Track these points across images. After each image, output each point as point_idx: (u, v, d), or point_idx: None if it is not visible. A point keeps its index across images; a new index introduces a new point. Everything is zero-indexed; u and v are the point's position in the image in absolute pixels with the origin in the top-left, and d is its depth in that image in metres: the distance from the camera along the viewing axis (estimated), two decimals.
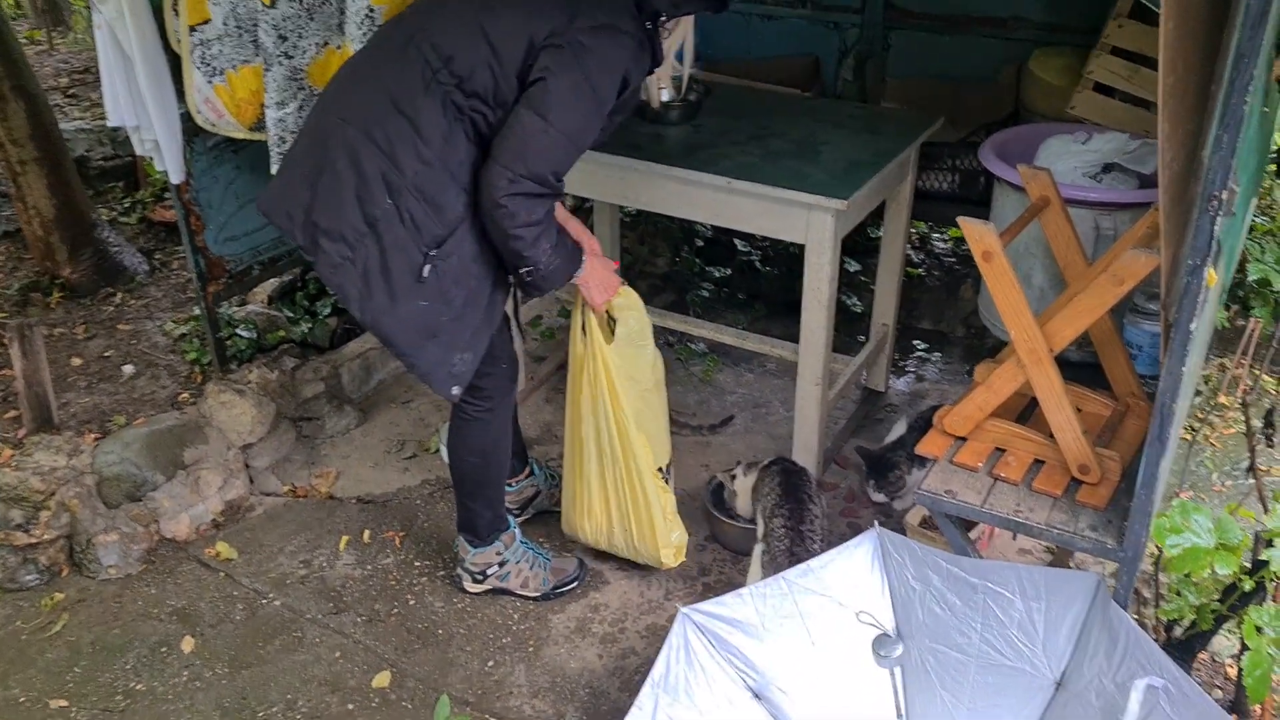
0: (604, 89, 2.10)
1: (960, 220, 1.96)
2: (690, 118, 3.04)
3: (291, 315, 3.59)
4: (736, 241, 4.26)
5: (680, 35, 2.43)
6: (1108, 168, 2.35)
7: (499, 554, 2.61)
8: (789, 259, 4.16)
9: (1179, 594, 2.01)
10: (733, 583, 2.71)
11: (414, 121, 2.08)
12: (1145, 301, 2.24)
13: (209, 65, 2.77)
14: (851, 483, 3.06)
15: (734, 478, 2.79)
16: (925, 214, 3.70)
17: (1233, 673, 2.28)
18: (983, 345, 3.77)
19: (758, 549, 2.53)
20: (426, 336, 2.18)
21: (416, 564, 2.78)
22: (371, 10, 2.55)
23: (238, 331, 3.40)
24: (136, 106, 2.86)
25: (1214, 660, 2.29)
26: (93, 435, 3.03)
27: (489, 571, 2.61)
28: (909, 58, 3.75)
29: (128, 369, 3.47)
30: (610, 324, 2.49)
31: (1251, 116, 1.54)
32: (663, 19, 2.21)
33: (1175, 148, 1.68)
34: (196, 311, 3.54)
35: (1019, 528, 1.98)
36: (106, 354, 3.58)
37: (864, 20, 3.88)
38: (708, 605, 2.07)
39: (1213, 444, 3.03)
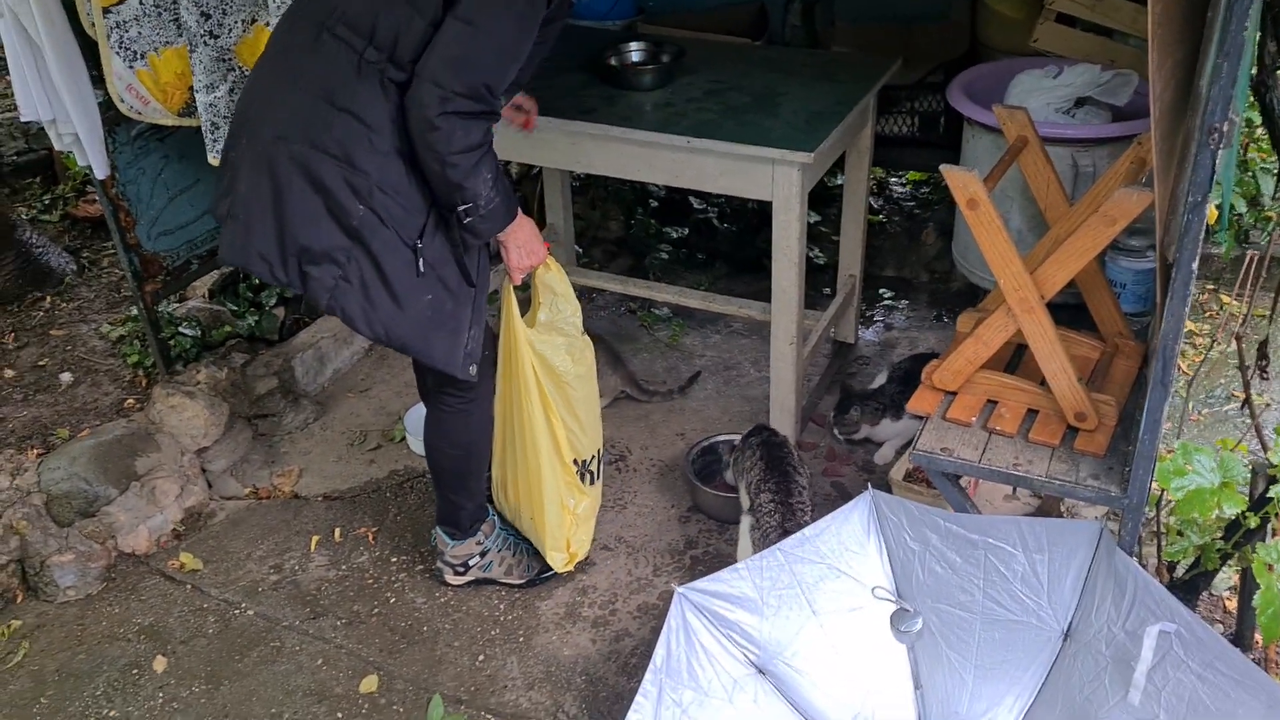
0: (531, 2, 1.94)
1: (943, 168, 1.89)
2: (665, 83, 2.91)
3: (236, 309, 3.42)
4: (692, 200, 4.16)
5: None
6: (1080, 102, 2.29)
7: (479, 544, 2.51)
8: (747, 215, 4.08)
9: (1180, 534, 1.98)
10: (720, 554, 2.65)
11: (357, 115, 1.92)
12: (1127, 238, 2.19)
13: (128, 49, 2.59)
14: (830, 441, 3.00)
15: (733, 447, 2.71)
16: (884, 160, 3.64)
17: (1231, 606, 2.27)
18: (948, 290, 3.73)
19: (745, 521, 2.47)
20: (437, 328, 2.09)
21: (393, 560, 2.68)
22: None
23: (180, 330, 3.24)
24: (50, 99, 2.66)
25: (1211, 595, 2.28)
26: (35, 451, 2.87)
27: (471, 563, 2.52)
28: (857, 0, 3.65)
29: (65, 377, 3.29)
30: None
31: (1248, 44, 1.48)
32: None
33: (1166, 79, 1.62)
34: (134, 312, 3.37)
35: (1020, 482, 1.94)
36: (41, 363, 3.39)
37: None
38: (704, 583, 2.01)
39: (1185, 372, 3.02)
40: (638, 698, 1.85)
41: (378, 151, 1.94)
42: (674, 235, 4.04)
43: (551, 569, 2.55)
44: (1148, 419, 1.74)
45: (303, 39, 1.98)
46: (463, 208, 1.99)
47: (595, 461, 2.54)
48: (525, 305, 2.39)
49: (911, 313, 3.65)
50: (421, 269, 2.02)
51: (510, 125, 2.59)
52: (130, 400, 3.13)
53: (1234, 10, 1.40)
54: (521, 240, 2.19)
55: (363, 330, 2.06)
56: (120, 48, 2.58)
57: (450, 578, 2.55)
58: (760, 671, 1.99)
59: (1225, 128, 1.47)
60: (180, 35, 2.57)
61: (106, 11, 2.53)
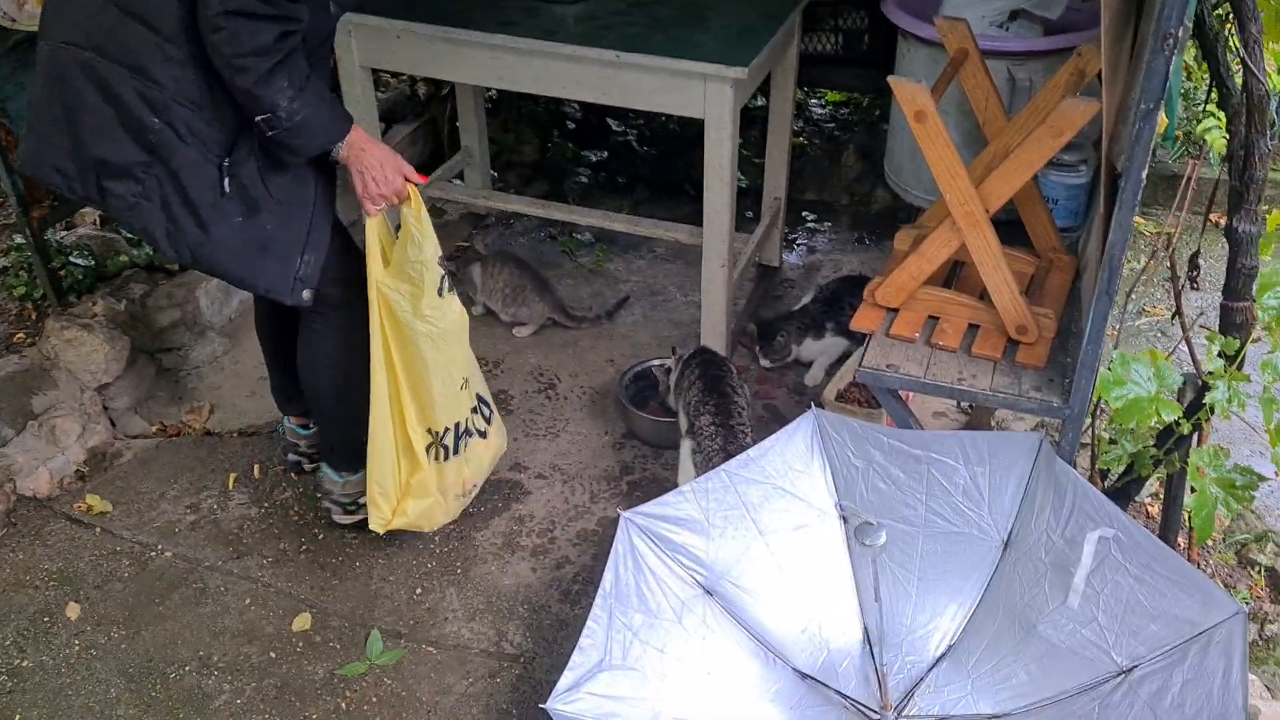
0: None
1: (891, 79, 1.85)
2: None
3: (131, 236, 3.21)
4: (610, 122, 4.06)
5: None
6: (1013, 15, 2.28)
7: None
8: (668, 137, 4.00)
9: (1113, 443, 2.04)
10: (658, 479, 2.63)
11: (147, 21, 1.79)
12: (1061, 153, 2.20)
13: None
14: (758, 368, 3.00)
15: (668, 371, 2.67)
16: (807, 79, 3.59)
17: (1154, 511, 2.36)
18: (869, 212, 3.75)
19: (686, 445, 2.44)
20: (257, 253, 1.96)
21: (318, 494, 2.58)
22: None
23: (71, 260, 3.02)
24: None
25: (1134, 502, 2.36)
26: None
27: (361, 500, 2.36)
28: None
29: None
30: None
31: None
32: None
33: None
34: (19, 240, 3.13)
35: (965, 396, 1.95)
36: None
37: None
38: (649, 507, 1.99)
39: None
40: (589, 623, 1.82)
41: (171, 61, 1.80)
42: (593, 159, 3.95)
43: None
44: (1092, 329, 1.76)
45: None
46: (260, 118, 1.84)
47: (451, 435, 2.26)
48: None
49: (834, 235, 3.66)
50: (227, 189, 1.90)
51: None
52: (19, 335, 2.92)
53: None
54: (367, 165, 2.00)
55: (167, 252, 1.94)
56: None
57: (339, 516, 2.43)
58: (708, 592, 1.98)
59: (1180, 33, 1.47)
60: None
61: None
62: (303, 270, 2.03)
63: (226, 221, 1.92)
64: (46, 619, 2.28)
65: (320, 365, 2.27)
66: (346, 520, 2.43)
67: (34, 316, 3.01)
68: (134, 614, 2.29)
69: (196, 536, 2.47)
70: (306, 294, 2.06)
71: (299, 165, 1.98)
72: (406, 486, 2.27)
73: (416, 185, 2.09)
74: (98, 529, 2.50)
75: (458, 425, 2.28)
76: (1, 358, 2.74)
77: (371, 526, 2.27)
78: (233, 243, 1.94)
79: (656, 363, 2.84)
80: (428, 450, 2.25)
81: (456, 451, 2.29)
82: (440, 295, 2.13)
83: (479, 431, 2.35)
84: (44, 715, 2.08)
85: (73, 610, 2.29)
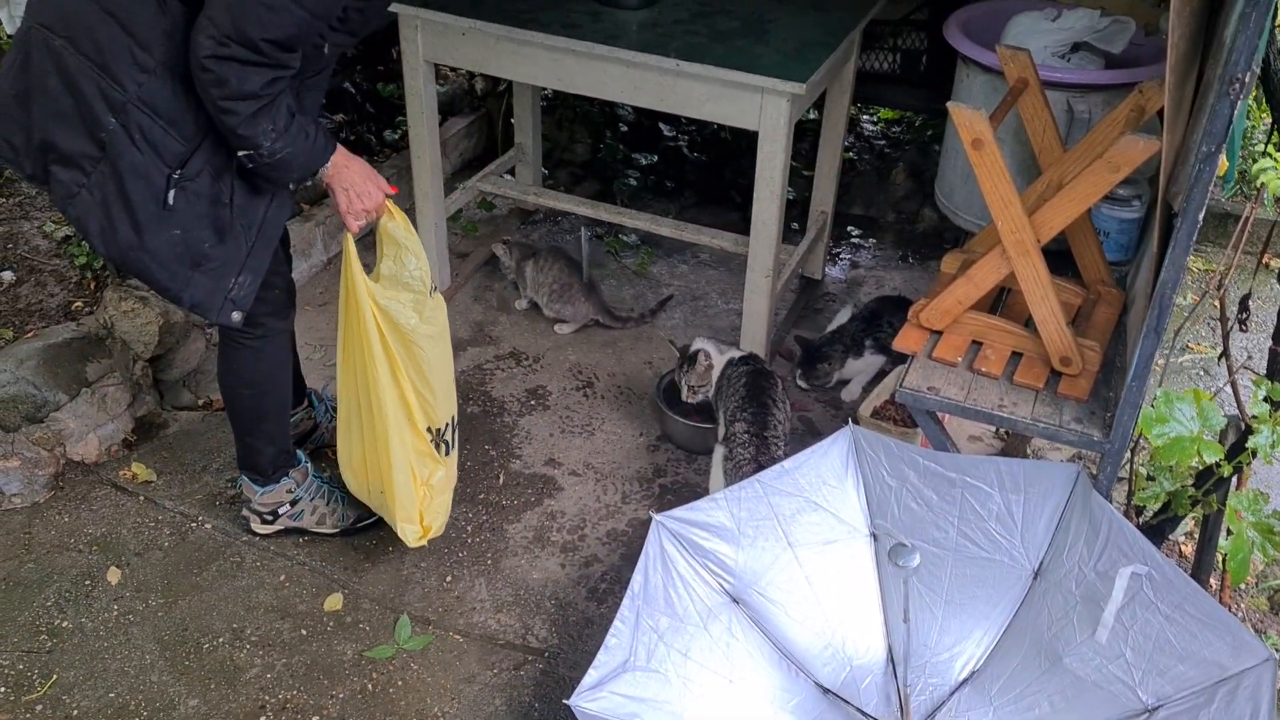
0: None
1: (950, 105, 1.86)
2: (652, 2, 2.81)
3: None
4: (662, 126, 4.09)
5: None
6: (1075, 47, 2.28)
7: (290, 491, 2.39)
8: (718, 145, 4.02)
9: (1150, 479, 2.03)
10: (689, 483, 2.65)
11: (124, 24, 1.77)
12: (1117, 186, 2.20)
13: None
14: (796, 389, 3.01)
15: (681, 365, 2.68)
16: (862, 96, 3.60)
17: (1187, 551, 2.35)
18: (914, 231, 3.74)
19: (719, 451, 2.47)
20: (190, 267, 1.92)
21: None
22: None
23: None
24: None
25: (1168, 539, 2.35)
26: None
27: (280, 511, 2.40)
28: None
29: (6, 275, 3.12)
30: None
31: None
32: None
33: (1183, 27, 1.60)
34: None
35: (1005, 423, 1.96)
36: None
37: None
38: (682, 511, 2.01)
39: None
40: (616, 623, 1.85)
41: (140, 66, 1.78)
42: (642, 161, 3.97)
43: (368, 516, 2.44)
44: (1138, 366, 1.76)
45: None
46: (242, 153, 1.86)
47: (450, 430, 2.34)
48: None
49: (878, 252, 3.66)
50: (171, 201, 1.85)
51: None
52: (78, 303, 2.99)
53: None
54: (348, 182, 2.02)
55: (98, 248, 1.91)
56: None
57: (257, 526, 2.44)
58: (735, 600, 2.01)
59: (1246, 78, 1.47)
60: None
61: None
62: (235, 291, 1.98)
63: (164, 232, 1.88)
64: (88, 582, 2.34)
65: (241, 377, 2.27)
66: (265, 530, 2.44)
67: (93, 286, 3.08)
68: (172, 583, 2.35)
69: (235, 510, 2.52)
70: (237, 315, 2.01)
71: (249, 190, 1.95)
72: (429, 489, 2.31)
73: (390, 195, 2.11)
74: (141, 497, 2.56)
75: (452, 419, 2.34)
76: (60, 324, 2.81)
77: (411, 544, 2.31)
78: (165, 253, 1.90)
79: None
80: (436, 449, 2.30)
81: (452, 445, 2.35)
82: (431, 295, 2.18)
83: (456, 428, 2.40)
84: (80, 676, 2.14)
85: (113, 575, 2.36)
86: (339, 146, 2.00)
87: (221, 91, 1.74)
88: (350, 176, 2.02)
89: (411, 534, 2.29)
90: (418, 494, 2.29)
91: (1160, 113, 1.86)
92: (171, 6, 1.77)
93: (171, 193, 1.85)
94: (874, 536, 2.04)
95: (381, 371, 2.14)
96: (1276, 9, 1.60)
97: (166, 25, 1.78)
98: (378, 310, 2.10)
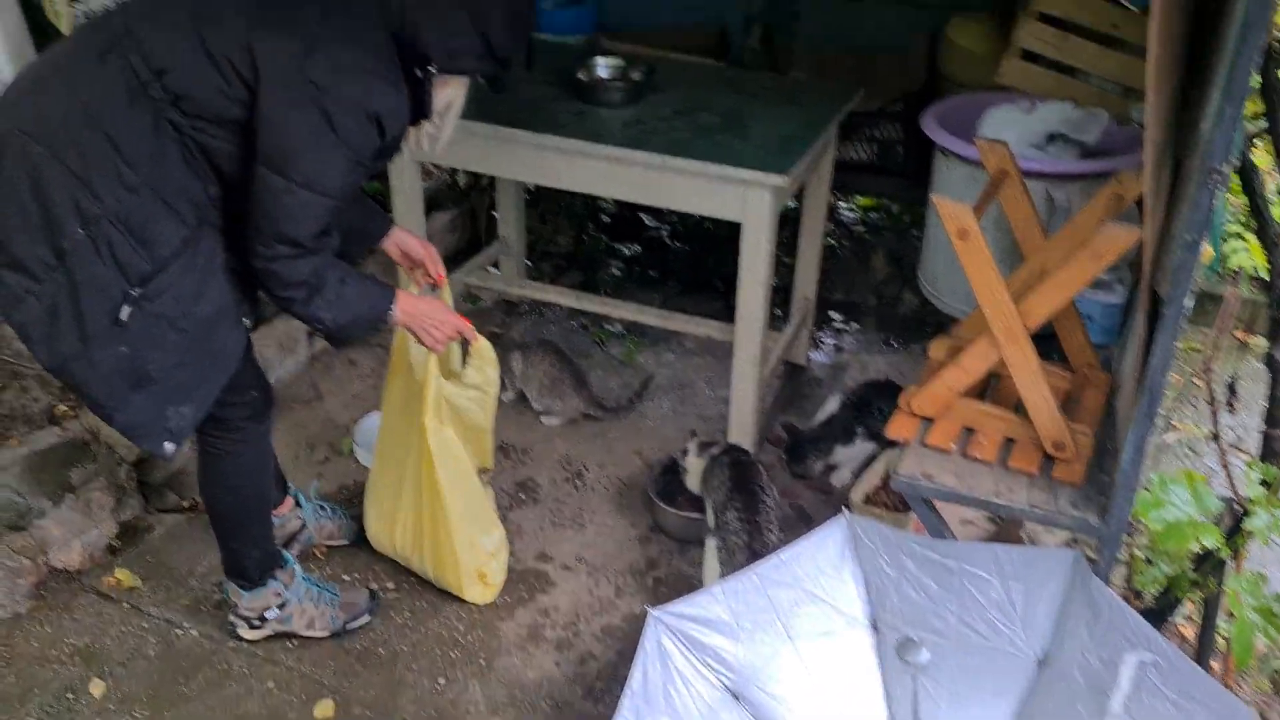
0: (352, 136, 1.80)
1: (934, 198, 1.91)
2: (635, 100, 2.89)
3: None
4: (643, 217, 4.15)
5: (450, 97, 1.98)
6: (1051, 138, 2.34)
7: (278, 595, 2.35)
8: (700, 235, 4.09)
9: (1149, 563, 2.03)
10: (683, 574, 2.62)
11: (114, 140, 1.76)
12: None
13: None
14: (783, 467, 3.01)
15: (685, 453, 2.69)
16: (841, 185, 3.68)
17: (1187, 633, 2.34)
18: (895, 314, 3.79)
19: (711, 542, 2.45)
20: (130, 387, 1.88)
21: (345, 578, 2.59)
22: None
23: None
24: None
25: (1168, 622, 2.34)
26: None
27: (268, 615, 2.36)
28: (818, 27, 3.70)
29: None
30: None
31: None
32: (433, 69, 1.88)
33: (1158, 120, 1.66)
34: None
35: (1002, 510, 1.96)
36: None
37: None
38: (678, 606, 1.98)
39: None
40: None
41: (123, 184, 1.78)
42: (625, 252, 4.02)
43: (361, 617, 2.44)
44: (1131, 451, 1.77)
45: (92, 48, 1.80)
46: (315, 327, 2.02)
47: (487, 474, 2.57)
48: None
49: (861, 336, 3.70)
50: (123, 318, 1.82)
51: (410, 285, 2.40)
52: (62, 407, 2.96)
53: (1241, 56, 1.44)
54: (416, 317, 2.12)
55: (38, 355, 1.86)
56: None
57: (244, 632, 2.39)
58: (736, 697, 1.97)
59: (1225, 169, 1.51)
60: None
61: None
62: (175, 421, 1.94)
63: (111, 347, 1.84)
64: (70, 695, 2.27)
65: (221, 483, 2.25)
66: (253, 635, 2.40)
67: None
68: (158, 694, 2.28)
69: (223, 615, 2.47)
70: (170, 447, 1.95)
71: (209, 319, 1.93)
72: (489, 555, 2.53)
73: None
74: (125, 605, 2.50)
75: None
76: (44, 429, 2.78)
77: (482, 602, 2.51)
78: (106, 368, 1.85)
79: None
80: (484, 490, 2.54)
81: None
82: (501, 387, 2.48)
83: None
84: None
85: (96, 687, 2.29)
86: (398, 291, 2.07)
87: (279, 285, 1.90)
88: (421, 320, 2.13)
89: (479, 593, 2.50)
90: (478, 555, 2.48)
91: (1139, 200, 1.92)
92: (164, 130, 1.78)
93: (126, 309, 1.82)
94: (875, 628, 2.02)
95: (459, 465, 2.37)
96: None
97: (153, 148, 1.78)
98: (447, 405, 2.33)
